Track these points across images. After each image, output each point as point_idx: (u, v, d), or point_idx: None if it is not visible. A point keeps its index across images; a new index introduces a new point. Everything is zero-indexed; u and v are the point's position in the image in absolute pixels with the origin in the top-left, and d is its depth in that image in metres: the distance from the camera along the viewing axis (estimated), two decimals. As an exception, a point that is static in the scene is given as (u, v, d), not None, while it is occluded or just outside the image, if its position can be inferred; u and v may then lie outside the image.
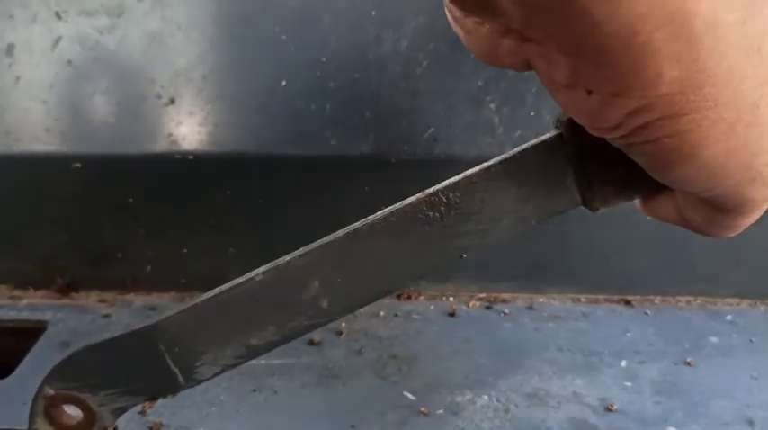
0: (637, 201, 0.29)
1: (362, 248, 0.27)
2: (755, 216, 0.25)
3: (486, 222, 0.27)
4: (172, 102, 0.55)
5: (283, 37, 0.55)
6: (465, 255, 0.27)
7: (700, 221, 0.26)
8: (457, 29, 0.24)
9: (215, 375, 0.28)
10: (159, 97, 0.56)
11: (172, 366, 0.28)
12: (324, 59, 0.55)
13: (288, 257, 0.27)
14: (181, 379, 0.28)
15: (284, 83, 0.55)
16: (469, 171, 0.27)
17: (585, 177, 0.26)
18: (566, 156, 0.26)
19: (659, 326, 0.56)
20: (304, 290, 0.27)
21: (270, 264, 0.27)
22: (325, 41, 0.55)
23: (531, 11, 0.19)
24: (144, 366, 0.28)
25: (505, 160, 0.26)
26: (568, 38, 0.19)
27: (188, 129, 0.55)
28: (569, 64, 0.20)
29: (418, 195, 0.27)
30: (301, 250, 0.27)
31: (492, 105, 0.55)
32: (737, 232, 0.26)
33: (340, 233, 0.27)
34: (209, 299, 0.27)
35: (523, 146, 0.27)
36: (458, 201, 0.26)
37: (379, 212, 0.27)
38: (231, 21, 0.56)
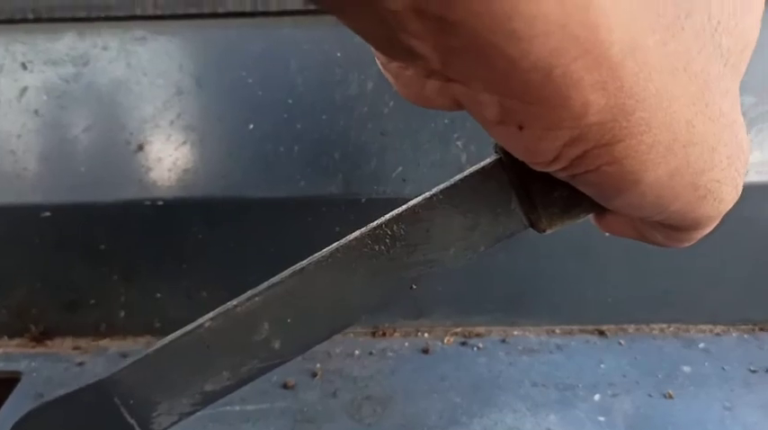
0: (593, 219, 0.28)
1: (310, 286, 0.26)
2: (711, 227, 0.25)
3: (434, 252, 0.26)
4: (140, 148, 0.55)
5: (249, 80, 0.55)
6: (415, 286, 0.27)
7: (657, 237, 0.26)
8: (386, 74, 0.24)
9: (172, 424, 0.28)
10: (128, 144, 0.56)
11: (128, 418, 0.28)
12: (290, 101, 0.55)
13: (235, 301, 0.27)
14: None
15: (252, 126, 0.55)
16: (412, 202, 0.26)
17: (529, 200, 0.26)
18: (507, 181, 0.26)
19: (633, 356, 0.57)
20: (255, 332, 0.27)
21: (218, 309, 0.27)
22: (292, 84, 0.55)
23: (449, 54, 0.19)
24: (101, 420, 0.28)
25: (447, 189, 0.26)
26: (489, 77, 0.19)
27: (157, 175, 0.55)
28: (496, 102, 0.20)
29: (363, 230, 0.26)
30: (249, 292, 0.27)
31: (459, 143, 0.55)
32: (695, 241, 0.26)
33: (287, 272, 0.27)
34: (160, 349, 0.27)
35: (464, 173, 0.26)
36: (403, 232, 0.26)
37: (324, 249, 0.26)
38: (197, 66, 0.56)
